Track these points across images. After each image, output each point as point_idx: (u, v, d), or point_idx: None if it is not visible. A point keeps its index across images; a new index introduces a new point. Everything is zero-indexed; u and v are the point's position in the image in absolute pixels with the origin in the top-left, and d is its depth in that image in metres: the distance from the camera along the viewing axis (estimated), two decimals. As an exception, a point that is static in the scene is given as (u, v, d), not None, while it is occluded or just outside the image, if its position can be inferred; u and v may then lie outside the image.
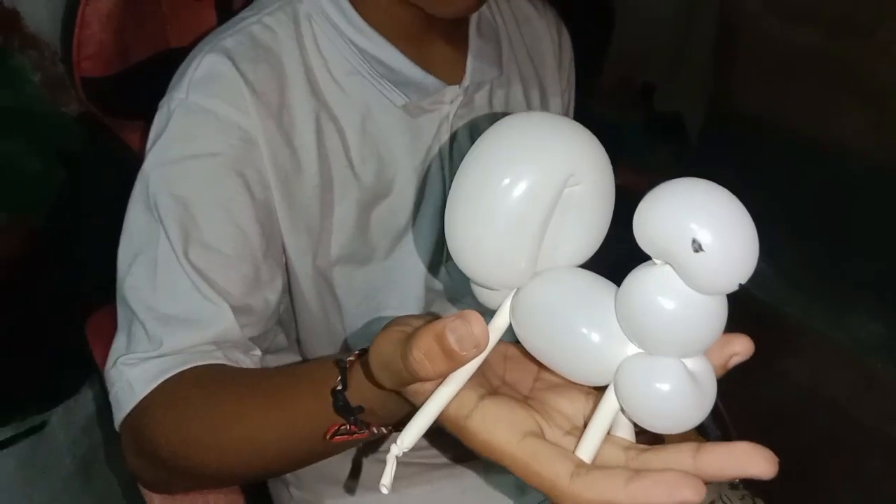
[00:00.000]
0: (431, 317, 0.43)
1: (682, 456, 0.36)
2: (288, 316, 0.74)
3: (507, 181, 0.38)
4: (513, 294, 0.42)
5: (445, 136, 0.73)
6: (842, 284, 1.36)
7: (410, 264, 0.74)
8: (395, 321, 0.44)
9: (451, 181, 0.73)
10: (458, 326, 0.38)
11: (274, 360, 0.79)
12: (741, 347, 0.39)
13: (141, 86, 0.76)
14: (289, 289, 0.71)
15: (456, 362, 0.38)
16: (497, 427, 0.38)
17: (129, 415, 0.59)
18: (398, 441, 0.39)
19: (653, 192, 0.35)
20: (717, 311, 0.36)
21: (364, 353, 0.50)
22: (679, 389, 0.36)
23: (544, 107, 0.85)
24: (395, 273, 0.73)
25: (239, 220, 0.63)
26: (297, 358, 0.79)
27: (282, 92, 0.66)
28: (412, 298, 0.75)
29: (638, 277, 0.37)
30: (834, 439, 1.30)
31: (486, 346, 0.38)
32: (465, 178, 0.39)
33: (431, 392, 0.40)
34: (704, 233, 0.33)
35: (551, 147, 0.38)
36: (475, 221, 0.39)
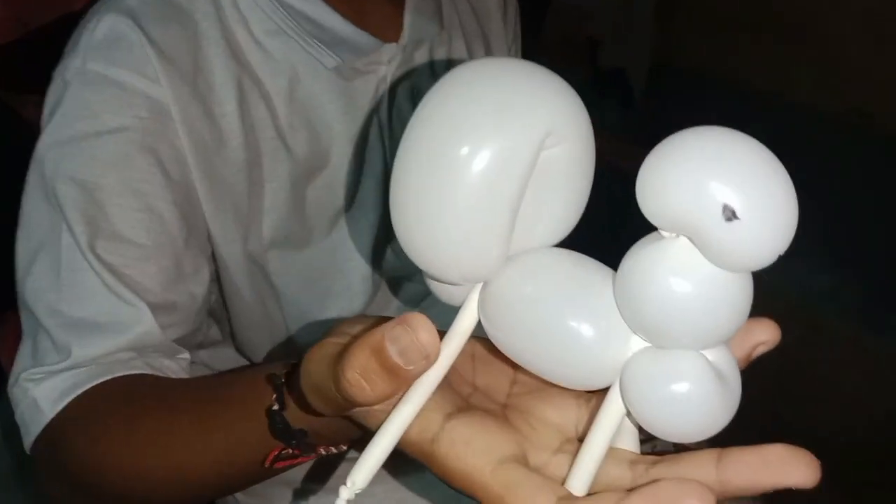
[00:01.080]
0: (375, 320, 0.36)
1: (701, 467, 0.29)
2: (220, 307, 0.67)
3: (465, 149, 0.30)
4: (480, 287, 0.35)
5: (384, 100, 0.66)
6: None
7: (353, 244, 0.67)
8: (333, 329, 0.36)
9: (393, 149, 0.67)
10: (400, 335, 0.31)
11: (208, 356, 0.71)
12: (766, 335, 0.33)
13: (43, 55, 0.67)
14: (217, 278, 0.64)
15: (402, 380, 0.31)
16: (468, 452, 0.31)
17: (38, 439, 0.52)
18: (348, 481, 0.32)
19: (663, 146, 0.28)
20: (744, 291, 0.29)
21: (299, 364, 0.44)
22: (703, 388, 0.29)
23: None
24: (336, 255, 0.67)
25: (153, 205, 0.56)
26: (234, 352, 0.71)
27: (196, 55, 0.58)
28: (357, 281, 0.68)
29: (645, 255, 0.30)
30: (784, 388, 1.29)
31: (437, 355, 0.31)
32: (412, 146, 0.32)
33: (382, 411, 0.33)
34: (738, 196, 0.26)
35: (522, 100, 0.31)
36: (428, 204, 0.31)
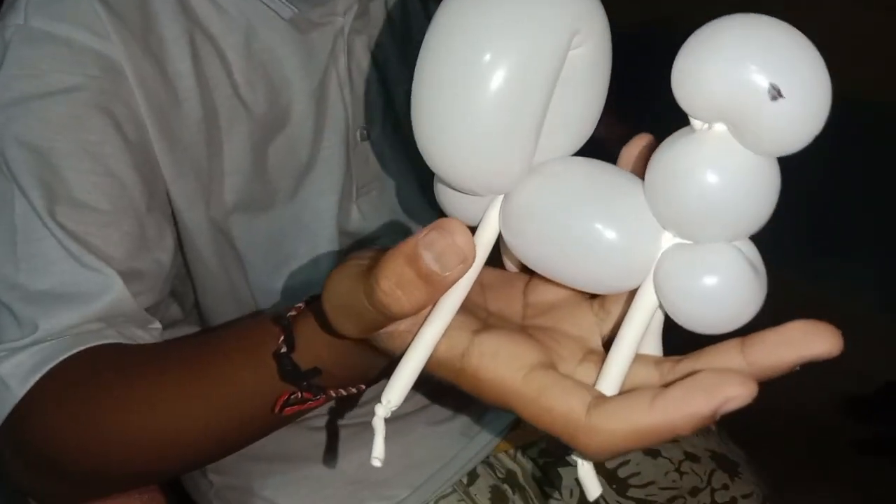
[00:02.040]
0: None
1: (726, 356, 0.30)
2: (181, 280, 0.64)
3: (488, 56, 0.29)
4: (500, 199, 0.34)
5: (342, 54, 0.64)
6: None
7: (319, 204, 0.65)
8: (350, 255, 0.35)
9: (354, 105, 0.65)
10: (436, 239, 0.30)
11: (169, 336, 0.68)
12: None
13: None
14: (181, 248, 0.61)
15: (438, 287, 0.31)
16: (497, 363, 0.31)
17: (7, 420, 0.48)
18: (383, 399, 0.31)
19: (700, 34, 0.28)
20: (776, 179, 0.30)
21: (312, 301, 0.42)
22: (740, 279, 0.30)
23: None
24: (302, 216, 0.65)
25: (112, 168, 0.52)
26: (197, 329, 0.68)
27: (144, 10, 0.55)
28: (324, 243, 0.66)
29: (680, 148, 0.29)
30: (724, 337, 1.32)
31: (474, 259, 0.31)
32: (433, 53, 0.30)
33: (407, 333, 0.33)
34: (783, 75, 0.26)
35: None
36: (450, 114, 0.30)
